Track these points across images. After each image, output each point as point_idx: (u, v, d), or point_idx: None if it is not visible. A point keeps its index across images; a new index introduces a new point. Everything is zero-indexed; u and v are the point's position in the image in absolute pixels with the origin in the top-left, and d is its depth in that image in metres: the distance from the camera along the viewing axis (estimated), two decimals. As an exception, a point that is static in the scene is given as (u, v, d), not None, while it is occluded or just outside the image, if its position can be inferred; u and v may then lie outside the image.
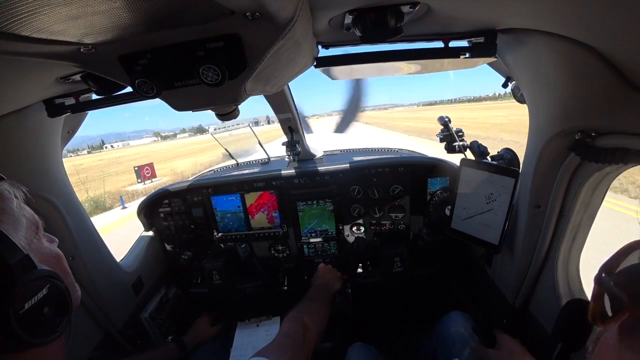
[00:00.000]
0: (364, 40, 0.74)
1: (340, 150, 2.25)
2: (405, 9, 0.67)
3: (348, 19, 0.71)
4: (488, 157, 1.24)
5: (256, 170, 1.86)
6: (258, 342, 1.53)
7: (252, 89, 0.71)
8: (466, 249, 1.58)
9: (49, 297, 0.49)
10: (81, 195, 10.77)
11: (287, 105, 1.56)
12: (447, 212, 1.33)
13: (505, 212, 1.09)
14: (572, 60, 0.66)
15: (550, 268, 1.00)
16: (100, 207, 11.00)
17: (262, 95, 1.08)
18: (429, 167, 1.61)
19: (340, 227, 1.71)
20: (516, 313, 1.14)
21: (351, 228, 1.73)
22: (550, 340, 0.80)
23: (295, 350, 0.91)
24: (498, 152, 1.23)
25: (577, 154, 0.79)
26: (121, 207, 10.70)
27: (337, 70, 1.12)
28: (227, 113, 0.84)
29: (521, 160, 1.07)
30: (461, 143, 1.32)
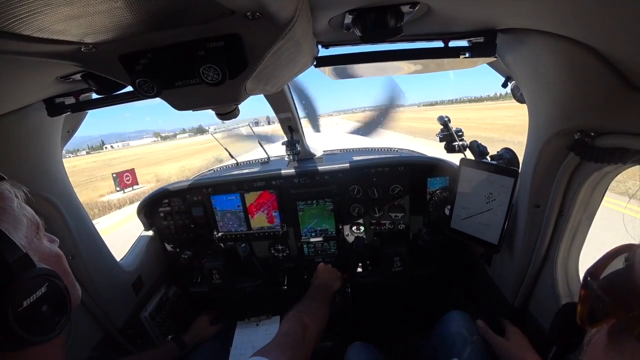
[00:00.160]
0: (364, 40, 0.74)
1: (340, 150, 2.25)
2: (405, 9, 0.67)
3: (348, 19, 0.71)
4: (487, 157, 1.25)
5: (256, 169, 1.86)
6: (258, 342, 1.53)
7: (252, 89, 0.71)
8: (466, 248, 1.58)
9: (48, 295, 0.49)
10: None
11: (287, 104, 1.56)
12: (447, 211, 1.33)
13: (504, 212, 1.09)
14: (571, 60, 0.66)
15: (550, 267, 1.00)
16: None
17: (262, 95, 1.09)
18: (428, 167, 1.61)
19: (340, 227, 1.71)
20: (515, 312, 1.14)
21: (351, 228, 1.73)
22: (547, 341, 0.80)
23: (295, 350, 0.91)
24: (498, 151, 1.23)
25: (576, 153, 0.79)
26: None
27: (337, 70, 1.12)
28: (227, 112, 0.84)
29: (521, 160, 1.08)
30: (461, 143, 1.32)
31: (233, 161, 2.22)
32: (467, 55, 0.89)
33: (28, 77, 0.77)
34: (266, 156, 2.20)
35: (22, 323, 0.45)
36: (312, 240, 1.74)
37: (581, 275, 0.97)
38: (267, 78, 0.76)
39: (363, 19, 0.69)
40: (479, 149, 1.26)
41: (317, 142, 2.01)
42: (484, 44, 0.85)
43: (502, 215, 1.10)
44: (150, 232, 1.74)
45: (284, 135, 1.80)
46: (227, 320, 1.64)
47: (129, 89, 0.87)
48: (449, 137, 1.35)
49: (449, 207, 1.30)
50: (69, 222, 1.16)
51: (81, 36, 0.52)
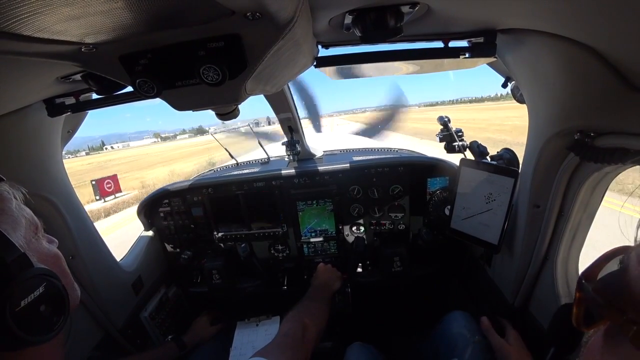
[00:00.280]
0: (364, 40, 0.74)
1: (340, 150, 2.26)
2: (405, 9, 0.67)
3: (348, 19, 0.71)
4: (487, 157, 1.25)
5: (256, 169, 1.86)
6: (257, 342, 1.53)
7: (252, 89, 0.71)
8: (466, 248, 1.58)
9: (46, 295, 0.49)
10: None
11: (287, 104, 1.56)
12: (447, 211, 1.33)
13: (504, 212, 1.09)
14: (571, 61, 0.66)
15: (550, 268, 1.00)
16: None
17: (262, 95, 1.09)
18: (428, 167, 1.61)
19: (340, 227, 1.71)
20: (515, 312, 1.14)
21: (351, 228, 1.73)
22: (545, 342, 0.80)
23: (295, 350, 0.91)
24: (497, 152, 1.23)
25: (576, 154, 0.79)
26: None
27: (337, 70, 1.12)
28: (227, 113, 0.84)
29: (520, 160, 1.08)
30: (461, 143, 1.32)
31: (233, 161, 2.23)
32: (467, 55, 0.90)
33: (28, 78, 0.77)
34: (266, 156, 2.20)
35: (20, 323, 0.45)
36: (312, 240, 1.74)
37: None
38: (267, 78, 0.76)
39: (363, 19, 0.69)
40: (478, 149, 1.26)
41: (321, 143, 2.01)
42: (484, 44, 0.85)
43: (502, 216, 1.10)
44: (150, 232, 1.74)
45: (284, 135, 1.81)
46: (227, 321, 1.64)
47: (129, 89, 0.87)
48: (449, 137, 1.35)
49: (449, 207, 1.30)
50: (69, 222, 1.16)
51: (81, 36, 0.52)
